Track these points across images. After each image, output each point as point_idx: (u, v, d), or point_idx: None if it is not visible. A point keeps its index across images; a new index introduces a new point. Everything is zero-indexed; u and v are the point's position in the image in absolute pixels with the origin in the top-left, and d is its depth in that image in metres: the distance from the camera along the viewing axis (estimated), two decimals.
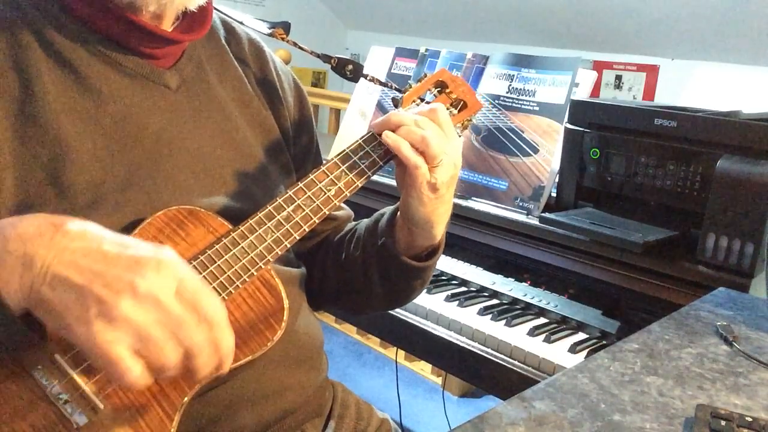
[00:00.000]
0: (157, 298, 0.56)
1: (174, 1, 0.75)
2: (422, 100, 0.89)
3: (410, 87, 0.89)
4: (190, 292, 0.58)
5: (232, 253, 0.71)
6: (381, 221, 0.92)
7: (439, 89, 0.91)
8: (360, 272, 0.93)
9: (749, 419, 0.63)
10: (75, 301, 0.56)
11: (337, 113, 3.17)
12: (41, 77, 0.72)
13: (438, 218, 0.84)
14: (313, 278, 0.96)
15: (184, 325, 0.57)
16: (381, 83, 0.96)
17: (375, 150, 0.81)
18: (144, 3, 0.74)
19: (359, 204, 1.44)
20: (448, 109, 0.89)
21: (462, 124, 0.92)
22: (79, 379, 0.64)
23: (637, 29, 3.41)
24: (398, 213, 0.88)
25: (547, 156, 1.41)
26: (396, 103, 0.89)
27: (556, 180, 1.40)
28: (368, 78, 0.94)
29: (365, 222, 0.96)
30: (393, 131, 0.80)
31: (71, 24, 0.75)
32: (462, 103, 0.91)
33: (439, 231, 0.87)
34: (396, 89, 0.92)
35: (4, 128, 0.69)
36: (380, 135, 0.81)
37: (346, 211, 1.05)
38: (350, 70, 0.93)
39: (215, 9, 0.89)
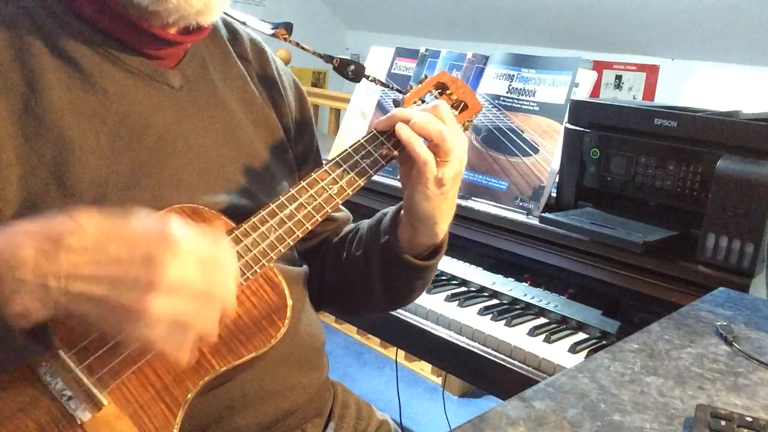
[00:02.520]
0: (183, 282, 0.57)
1: (191, 16, 0.75)
2: (423, 101, 0.90)
3: (411, 88, 0.90)
4: (210, 257, 0.60)
5: (234, 250, 0.71)
6: (384, 219, 0.92)
7: (439, 91, 0.91)
8: (361, 271, 0.93)
9: (749, 419, 0.63)
10: (105, 312, 0.57)
11: (337, 113, 3.17)
12: (46, 75, 0.72)
13: (441, 215, 0.84)
14: (311, 279, 0.96)
15: (215, 290, 0.60)
16: (382, 84, 0.97)
17: (377, 149, 0.82)
18: (166, 13, 0.74)
19: (360, 204, 1.44)
20: None
21: (463, 125, 0.93)
22: (83, 376, 0.64)
23: (637, 29, 3.41)
24: (401, 211, 0.88)
25: (547, 156, 1.42)
26: (397, 104, 0.90)
27: (556, 180, 1.41)
28: (370, 79, 0.95)
29: (367, 221, 0.97)
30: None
31: (76, 23, 0.75)
32: (462, 104, 0.92)
33: (442, 229, 0.87)
34: (397, 90, 0.93)
35: (8, 126, 0.69)
36: (382, 134, 0.82)
37: (345, 213, 1.05)
38: (352, 70, 0.94)
39: None
